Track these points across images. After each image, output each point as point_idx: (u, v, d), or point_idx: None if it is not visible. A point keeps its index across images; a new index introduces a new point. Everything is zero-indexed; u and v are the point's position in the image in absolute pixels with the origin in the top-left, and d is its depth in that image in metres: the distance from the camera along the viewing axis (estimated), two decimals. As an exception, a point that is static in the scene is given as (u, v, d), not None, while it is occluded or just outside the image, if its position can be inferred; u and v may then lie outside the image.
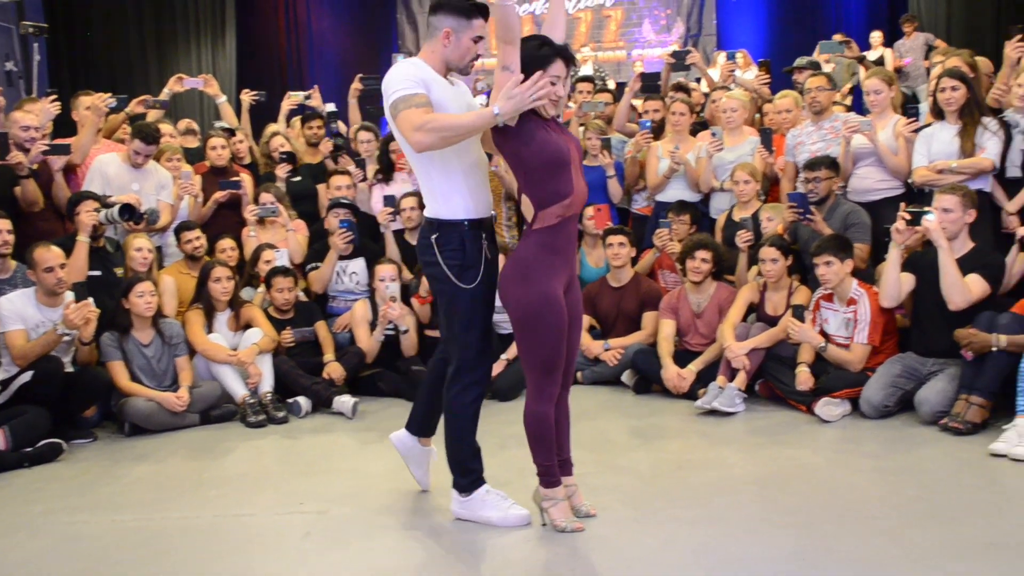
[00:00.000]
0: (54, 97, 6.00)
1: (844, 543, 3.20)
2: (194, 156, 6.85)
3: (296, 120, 7.63)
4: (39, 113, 5.84)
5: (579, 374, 5.72)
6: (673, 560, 3.13)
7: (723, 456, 4.31)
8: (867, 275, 5.21)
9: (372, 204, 6.45)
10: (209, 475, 4.37)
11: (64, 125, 6.80)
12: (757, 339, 5.14)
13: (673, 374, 5.34)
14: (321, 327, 5.85)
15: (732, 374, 5.12)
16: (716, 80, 7.59)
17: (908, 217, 4.66)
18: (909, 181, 5.47)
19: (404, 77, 3.29)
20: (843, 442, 4.49)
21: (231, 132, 7.04)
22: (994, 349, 4.36)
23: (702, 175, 6.14)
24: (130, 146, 6.01)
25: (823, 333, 5.06)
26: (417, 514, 3.66)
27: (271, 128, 7.17)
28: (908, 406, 4.74)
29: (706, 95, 7.32)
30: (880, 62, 10.60)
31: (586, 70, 9.29)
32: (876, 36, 11.58)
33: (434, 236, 3.39)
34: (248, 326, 5.59)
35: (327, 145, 7.08)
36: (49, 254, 4.97)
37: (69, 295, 4.99)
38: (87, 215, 5.35)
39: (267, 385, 5.39)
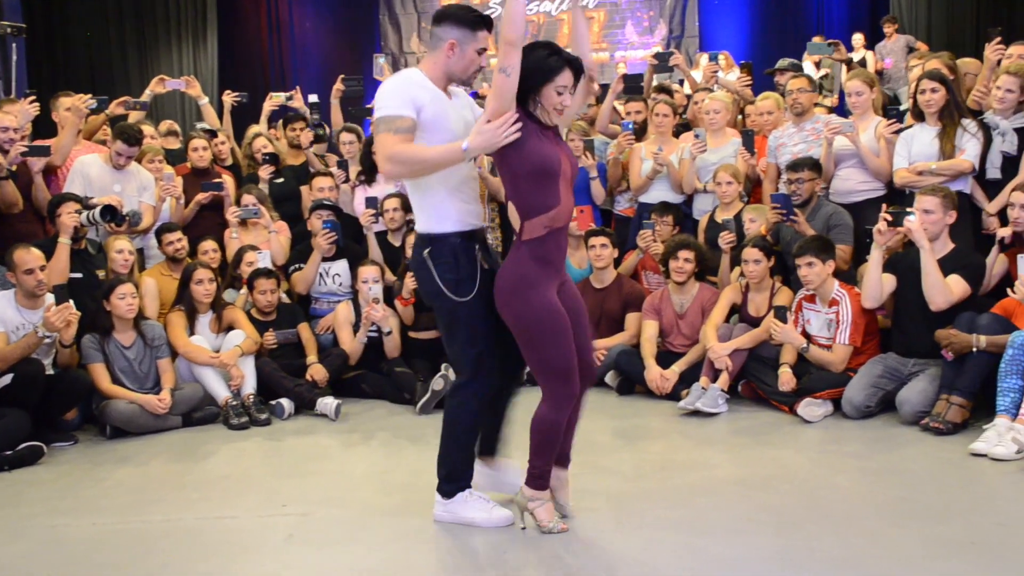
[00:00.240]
0: (33, 98, 5.96)
1: (826, 543, 3.21)
2: (175, 157, 6.81)
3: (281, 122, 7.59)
4: (18, 114, 5.79)
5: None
6: (656, 561, 3.14)
7: (706, 457, 4.32)
8: (849, 276, 5.24)
9: (355, 206, 6.44)
10: (191, 477, 4.34)
11: (43, 126, 6.75)
12: (740, 340, 5.16)
13: (656, 375, 5.35)
14: (304, 329, 5.84)
15: (715, 375, 5.14)
16: (699, 82, 7.62)
17: (890, 218, 4.69)
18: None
19: (395, 95, 3.25)
20: (825, 442, 4.51)
21: (213, 133, 7.01)
22: (974, 350, 4.40)
23: (685, 176, 6.16)
24: (112, 147, 5.97)
25: (805, 334, 5.08)
26: (400, 515, 3.65)
27: (253, 129, 7.15)
28: (890, 406, 4.77)
29: (688, 97, 7.34)
30: (863, 64, 10.67)
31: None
32: (858, 38, 11.65)
33: (426, 251, 3.34)
34: (230, 328, 5.56)
35: (308, 136, 7.05)
36: (29, 256, 4.93)
37: (50, 297, 4.95)
38: (68, 217, 5.31)
39: (250, 387, 5.36)
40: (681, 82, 8.68)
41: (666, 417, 5.07)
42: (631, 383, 5.58)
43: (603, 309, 5.89)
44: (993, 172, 5.20)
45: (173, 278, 5.81)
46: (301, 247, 6.29)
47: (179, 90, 7.38)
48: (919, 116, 5.34)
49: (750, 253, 5.27)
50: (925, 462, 4.09)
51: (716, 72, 7.34)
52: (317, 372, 5.56)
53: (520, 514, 3.44)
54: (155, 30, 13.18)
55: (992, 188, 5.22)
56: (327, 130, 7.47)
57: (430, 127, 3.25)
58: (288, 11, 15.03)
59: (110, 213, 5.45)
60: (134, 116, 6.82)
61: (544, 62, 3.21)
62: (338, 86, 7.32)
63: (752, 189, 6.22)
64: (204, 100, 7.44)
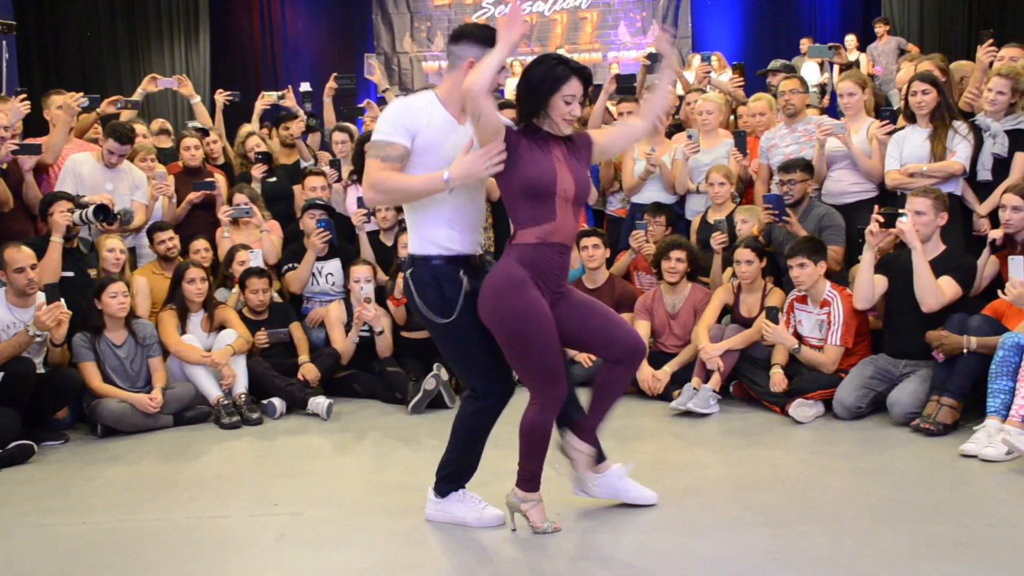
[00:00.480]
0: (24, 96, 5.93)
1: (817, 543, 3.22)
2: (167, 156, 6.80)
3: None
4: (8, 112, 5.76)
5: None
6: (647, 561, 3.14)
7: (697, 457, 4.33)
8: (841, 277, 5.25)
9: (347, 205, 6.44)
10: (183, 477, 4.33)
11: (35, 124, 6.73)
12: (731, 340, 5.17)
13: (648, 375, 5.35)
14: (296, 328, 5.83)
15: (706, 375, 5.14)
16: (691, 82, 7.63)
17: (882, 220, 4.70)
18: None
19: (389, 121, 3.25)
20: (816, 443, 4.52)
21: (205, 132, 6.99)
22: (965, 351, 4.41)
23: (678, 177, 6.17)
24: (104, 146, 5.95)
25: (797, 335, 5.09)
26: (392, 515, 3.65)
27: (246, 128, 7.14)
28: (880, 407, 4.78)
29: (681, 98, 7.35)
30: (856, 66, 10.70)
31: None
32: (851, 40, 11.69)
33: (408, 272, 3.35)
34: (222, 327, 5.55)
35: (300, 125, 7.05)
36: (20, 254, 4.91)
37: (40, 296, 4.94)
38: (61, 216, 5.29)
39: (241, 386, 5.36)
40: (674, 83, 8.68)
41: (657, 417, 5.08)
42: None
43: (595, 309, 5.88)
44: (984, 174, 5.22)
45: (165, 277, 5.80)
46: (293, 246, 6.28)
47: (171, 89, 7.36)
48: (911, 118, 5.35)
49: (742, 254, 5.28)
50: (915, 463, 4.10)
51: (709, 73, 7.35)
52: (309, 371, 5.56)
53: (511, 516, 3.43)
54: (147, 28, 13.15)
55: (983, 190, 5.24)
56: (318, 121, 7.46)
57: (421, 152, 3.24)
58: (281, 10, 15.03)
59: (103, 213, 5.44)
60: (126, 115, 6.80)
61: (551, 71, 3.19)
62: (331, 84, 7.32)
63: (744, 190, 6.23)
64: (196, 99, 7.42)
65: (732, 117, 6.85)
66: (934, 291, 4.61)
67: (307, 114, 7.32)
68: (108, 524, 3.71)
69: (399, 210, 6.23)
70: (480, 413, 3.39)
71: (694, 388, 5.09)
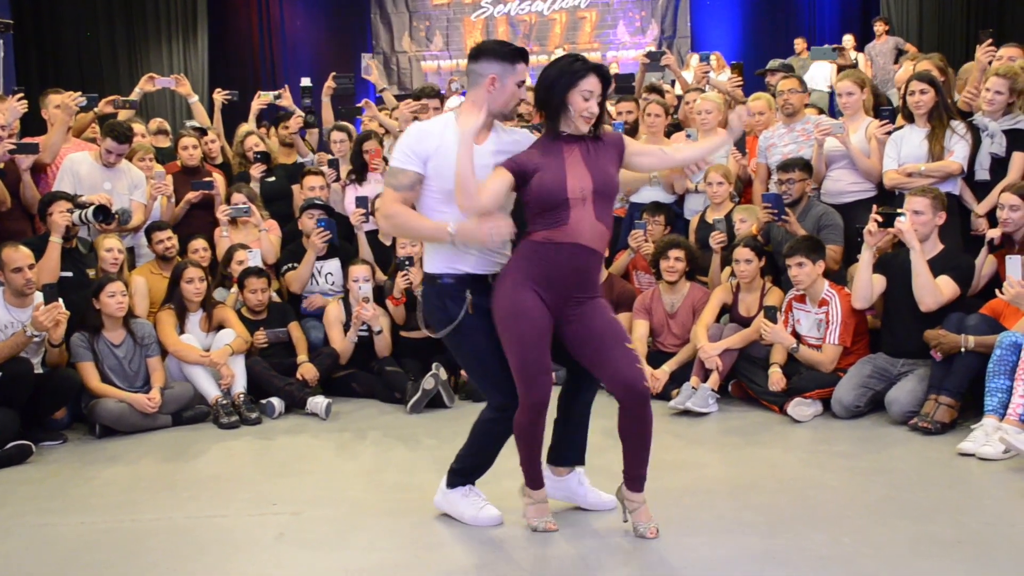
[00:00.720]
0: (21, 95, 5.93)
1: (815, 542, 3.23)
2: (165, 156, 6.79)
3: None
4: (6, 111, 5.75)
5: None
6: (645, 560, 3.14)
7: (696, 456, 4.33)
8: (839, 276, 5.25)
9: (345, 204, 6.43)
10: (181, 477, 4.34)
11: (32, 124, 6.72)
12: (730, 340, 5.17)
13: (646, 374, 5.34)
14: (294, 328, 5.83)
15: (705, 375, 5.15)
16: (689, 83, 7.63)
17: (880, 219, 4.71)
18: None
19: (403, 147, 3.29)
20: (815, 442, 4.52)
21: (203, 132, 6.99)
22: (963, 350, 4.42)
23: (676, 176, 6.16)
24: (102, 145, 5.95)
25: (795, 334, 5.10)
26: (391, 514, 3.65)
27: (245, 128, 7.14)
28: (879, 406, 4.79)
29: (679, 97, 7.36)
30: (854, 65, 10.71)
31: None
32: (848, 39, 11.69)
33: (422, 287, 3.44)
34: (220, 327, 5.55)
35: (298, 121, 7.05)
36: (17, 254, 4.91)
37: (38, 296, 4.93)
38: (60, 216, 5.28)
39: (240, 386, 5.36)
40: (673, 83, 8.70)
41: (656, 417, 4.95)
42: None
43: (594, 309, 5.88)
44: (982, 174, 5.22)
45: (163, 277, 5.79)
46: (292, 246, 6.28)
47: (169, 88, 7.36)
48: (909, 117, 5.36)
49: (741, 253, 5.28)
50: (913, 462, 4.11)
51: (707, 72, 7.35)
52: (307, 371, 5.55)
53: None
54: (145, 27, 13.14)
55: (981, 189, 5.24)
56: (316, 118, 7.45)
57: (433, 177, 3.26)
58: (279, 9, 15.02)
59: (102, 213, 5.43)
60: (123, 115, 6.80)
61: (569, 67, 3.20)
62: (329, 84, 7.31)
63: (743, 189, 6.23)
64: (194, 98, 7.43)
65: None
66: (932, 290, 4.62)
67: (305, 110, 7.31)
68: (107, 524, 3.71)
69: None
70: (496, 421, 3.41)
71: (693, 387, 5.09)
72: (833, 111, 8.38)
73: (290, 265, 6.18)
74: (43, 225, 5.44)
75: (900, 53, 10.83)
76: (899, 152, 5.30)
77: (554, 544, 3.31)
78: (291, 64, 14.70)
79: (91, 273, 5.49)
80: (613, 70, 10.81)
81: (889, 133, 5.41)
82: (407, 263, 5.65)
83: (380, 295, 5.88)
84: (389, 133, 6.89)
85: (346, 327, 5.78)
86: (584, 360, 3.30)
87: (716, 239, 5.61)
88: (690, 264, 5.55)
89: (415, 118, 6.61)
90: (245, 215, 6.18)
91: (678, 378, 5.30)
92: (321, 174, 6.46)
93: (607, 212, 3.28)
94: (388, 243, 6.18)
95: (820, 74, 10.71)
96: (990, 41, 5.59)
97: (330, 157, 6.74)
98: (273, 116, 8.00)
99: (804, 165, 5.52)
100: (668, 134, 6.49)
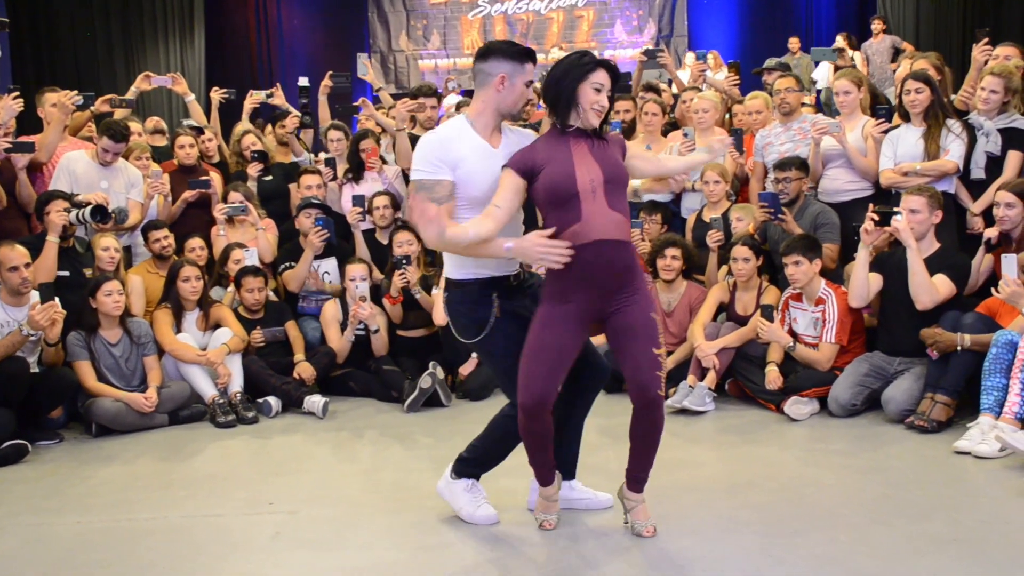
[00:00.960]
0: (16, 94, 5.92)
1: (811, 540, 3.23)
2: (162, 155, 6.79)
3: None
4: (2, 110, 5.73)
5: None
6: (641, 558, 3.15)
7: (693, 455, 4.33)
8: (836, 275, 5.26)
9: (342, 203, 6.43)
10: (178, 476, 4.33)
11: (28, 122, 6.71)
12: (727, 338, 5.18)
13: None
14: (291, 327, 5.83)
15: (702, 373, 5.15)
16: (686, 83, 7.63)
17: (876, 218, 4.71)
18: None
19: (428, 158, 3.20)
20: (811, 440, 4.53)
21: (199, 131, 6.99)
22: (959, 348, 4.42)
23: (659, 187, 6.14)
24: (99, 144, 5.94)
25: (792, 332, 5.10)
26: (388, 513, 3.65)
27: (242, 126, 7.13)
28: (875, 404, 4.79)
29: (675, 96, 7.36)
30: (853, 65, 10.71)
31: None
32: (840, 40, 11.68)
33: (445, 295, 3.40)
34: (217, 326, 5.55)
35: (294, 121, 7.05)
36: (13, 253, 4.91)
37: (35, 295, 4.93)
38: (57, 215, 5.28)
39: (236, 385, 5.35)
40: (669, 82, 8.70)
41: None
42: (618, 381, 5.58)
43: (591, 307, 5.88)
44: (977, 172, 5.23)
45: (160, 275, 5.79)
46: (289, 245, 6.27)
47: (165, 87, 7.35)
48: (905, 116, 5.36)
49: (739, 251, 5.28)
50: (910, 460, 4.11)
51: (704, 71, 7.35)
52: (304, 370, 5.55)
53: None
54: (141, 26, 13.11)
55: (976, 188, 5.25)
56: (312, 118, 7.45)
57: (460, 186, 3.22)
58: (276, 8, 15.00)
59: (99, 213, 5.42)
60: (120, 113, 6.77)
61: (578, 62, 3.20)
62: (326, 82, 7.31)
63: (740, 188, 6.24)
64: (191, 97, 7.41)
65: (727, 115, 6.85)
66: (928, 289, 4.63)
67: (302, 110, 7.31)
68: (103, 523, 3.71)
69: (396, 208, 6.25)
70: (512, 423, 3.36)
71: (690, 386, 5.10)
72: (820, 105, 8.38)
73: (287, 264, 6.18)
74: (39, 224, 5.44)
75: (897, 52, 10.82)
76: (895, 151, 5.31)
77: (552, 542, 3.31)
78: (288, 63, 14.68)
79: (88, 272, 5.48)
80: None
81: (885, 132, 5.42)
82: (404, 262, 5.65)
83: (377, 294, 5.87)
84: (386, 132, 6.89)
85: (343, 326, 5.78)
86: (614, 351, 3.29)
87: (713, 238, 5.61)
88: (687, 263, 5.56)
89: (412, 117, 6.62)
90: (242, 214, 6.18)
91: (675, 377, 5.29)
92: (318, 173, 6.46)
93: (620, 200, 3.22)
94: (385, 242, 6.17)
95: (823, 74, 10.72)
96: (987, 40, 5.60)
97: (327, 156, 6.74)
98: (270, 115, 7.99)
99: (800, 164, 5.53)
100: (665, 132, 6.50)
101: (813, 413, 4.88)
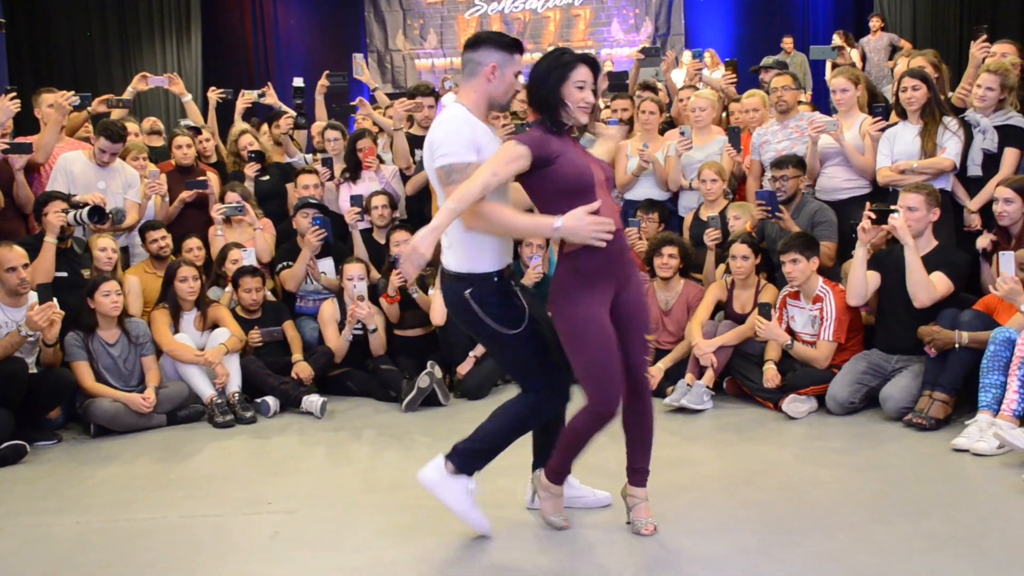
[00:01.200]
0: (13, 94, 5.91)
1: (810, 538, 3.23)
2: (159, 155, 6.78)
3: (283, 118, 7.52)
4: (-2, 111, 5.76)
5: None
6: (641, 557, 3.15)
7: (691, 453, 4.34)
8: (834, 273, 5.26)
9: (339, 203, 6.43)
10: (176, 476, 4.33)
11: (25, 123, 6.70)
12: (725, 337, 5.18)
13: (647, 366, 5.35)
14: (289, 327, 5.82)
15: (700, 372, 5.15)
16: (679, 84, 7.64)
17: (874, 216, 4.72)
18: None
19: (456, 140, 3.15)
20: (809, 438, 4.53)
21: (197, 131, 6.98)
22: (957, 346, 4.43)
23: (671, 174, 6.17)
24: (96, 144, 5.93)
25: (790, 331, 5.11)
26: (386, 513, 3.65)
27: (239, 127, 7.12)
28: (873, 402, 4.80)
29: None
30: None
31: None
32: (837, 37, 11.69)
33: (467, 292, 3.24)
34: (215, 326, 5.55)
35: (288, 122, 7.04)
36: (11, 254, 4.90)
37: (33, 296, 4.92)
38: (55, 216, 5.27)
39: (235, 385, 5.35)
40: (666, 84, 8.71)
41: None
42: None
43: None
44: (974, 169, 5.23)
45: (157, 276, 5.78)
46: (286, 245, 6.27)
47: (162, 87, 7.34)
48: (902, 114, 5.37)
49: (738, 249, 5.28)
50: (908, 457, 4.12)
51: (701, 69, 7.35)
52: (302, 370, 5.55)
53: (532, 493, 3.54)
54: (138, 26, 13.08)
55: (973, 185, 5.26)
56: (306, 119, 7.45)
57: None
58: (273, 7, 14.98)
59: (97, 214, 5.41)
60: (117, 114, 6.77)
61: (557, 60, 3.19)
62: (323, 82, 7.31)
63: (737, 186, 6.24)
64: (188, 97, 7.40)
65: (724, 114, 6.86)
66: (926, 287, 4.63)
67: (297, 110, 7.30)
68: (102, 524, 3.71)
69: (394, 208, 6.25)
70: (526, 419, 3.35)
71: (687, 384, 5.10)
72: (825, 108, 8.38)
73: (285, 264, 6.17)
74: (37, 225, 5.43)
75: (895, 49, 10.83)
76: (892, 149, 5.31)
77: (551, 541, 3.32)
78: (285, 63, 14.66)
79: (86, 273, 5.47)
80: (607, 68, 10.81)
81: (882, 130, 5.42)
82: (403, 261, 5.64)
83: (374, 293, 5.87)
84: (384, 132, 6.88)
85: (341, 326, 5.77)
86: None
87: (711, 236, 5.62)
88: (684, 261, 5.56)
89: (409, 116, 6.62)
90: (239, 214, 6.17)
91: (673, 375, 5.31)
92: (315, 172, 6.46)
93: (611, 197, 3.32)
94: (383, 242, 6.17)
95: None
96: (984, 37, 5.60)
97: (324, 155, 6.73)
98: (265, 115, 7.99)
99: (798, 162, 5.53)
100: (662, 131, 6.50)
101: (811, 411, 4.88)
